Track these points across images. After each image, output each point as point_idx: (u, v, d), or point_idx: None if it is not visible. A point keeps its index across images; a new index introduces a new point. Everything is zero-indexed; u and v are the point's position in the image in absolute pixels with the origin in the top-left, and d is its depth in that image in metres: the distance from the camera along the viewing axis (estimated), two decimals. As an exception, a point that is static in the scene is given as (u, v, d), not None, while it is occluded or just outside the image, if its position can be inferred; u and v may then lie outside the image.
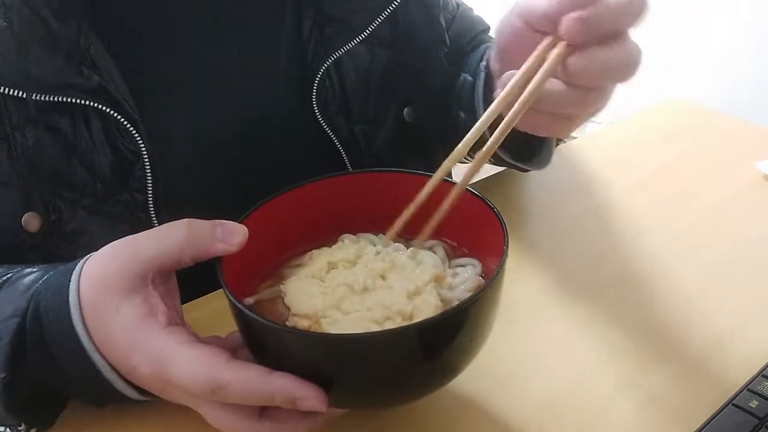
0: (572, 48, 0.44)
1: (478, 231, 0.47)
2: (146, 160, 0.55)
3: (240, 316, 0.40)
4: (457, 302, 0.42)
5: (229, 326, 0.43)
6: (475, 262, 0.48)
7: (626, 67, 0.45)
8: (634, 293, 0.60)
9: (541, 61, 0.45)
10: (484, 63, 0.63)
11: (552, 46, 0.45)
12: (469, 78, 0.68)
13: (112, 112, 0.53)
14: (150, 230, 0.44)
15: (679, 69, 1.99)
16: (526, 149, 0.65)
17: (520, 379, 0.51)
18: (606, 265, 0.63)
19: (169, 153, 0.57)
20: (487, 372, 0.50)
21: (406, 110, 0.68)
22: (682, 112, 0.91)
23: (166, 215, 0.55)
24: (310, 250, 0.49)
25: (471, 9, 0.80)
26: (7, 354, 0.43)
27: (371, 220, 0.50)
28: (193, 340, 0.40)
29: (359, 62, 0.65)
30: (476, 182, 0.50)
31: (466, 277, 0.47)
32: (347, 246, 0.49)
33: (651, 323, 0.56)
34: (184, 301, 0.46)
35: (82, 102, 0.52)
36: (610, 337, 0.55)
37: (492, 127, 0.45)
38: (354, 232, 0.51)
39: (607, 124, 0.94)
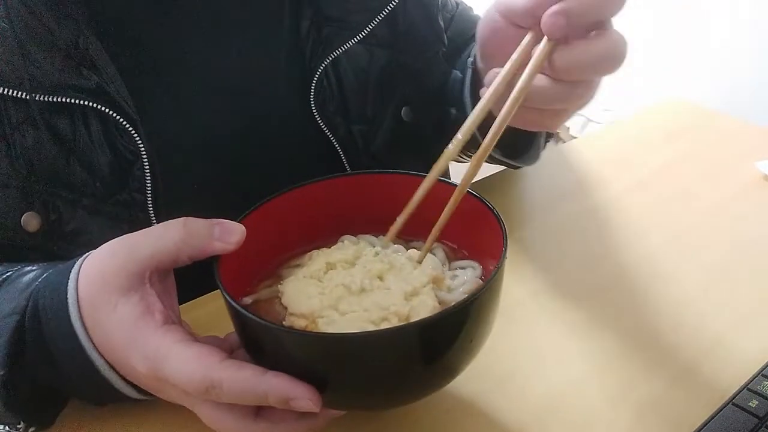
0: (556, 43, 0.44)
1: (478, 233, 0.47)
2: (145, 160, 0.55)
3: (236, 314, 0.40)
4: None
5: (227, 327, 0.43)
6: (475, 264, 0.48)
7: (612, 59, 0.45)
8: (634, 293, 0.60)
9: (524, 57, 0.46)
10: (471, 59, 0.63)
11: (535, 41, 0.45)
12: (459, 75, 0.68)
13: (111, 112, 0.53)
14: (148, 229, 0.44)
15: (679, 69, 1.98)
16: (516, 145, 0.66)
17: (518, 381, 0.51)
18: (606, 265, 0.63)
19: (168, 153, 0.57)
20: (486, 373, 0.50)
21: (404, 110, 0.68)
22: (682, 112, 0.91)
23: (166, 215, 0.55)
24: (309, 251, 0.49)
25: (470, 8, 0.80)
26: (6, 352, 0.43)
27: (371, 222, 0.50)
28: (189, 338, 0.40)
29: (357, 62, 0.65)
30: (475, 182, 0.50)
31: (465, 279, 0.47)
32: (346, 247, 0.49)
33: (651, 323, 0.56)
34: (181, 299, 0.46)
35: (81, 102, 0.52)
36: (609, 338, 0.55)
37: (482, 126, 0.45)
38: (354, 234, 0.51)
39: (607, 124, 0.94)
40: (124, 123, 0.54)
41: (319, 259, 0.47)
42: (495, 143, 0.45)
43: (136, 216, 0.56)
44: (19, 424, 0.46)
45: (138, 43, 0.59)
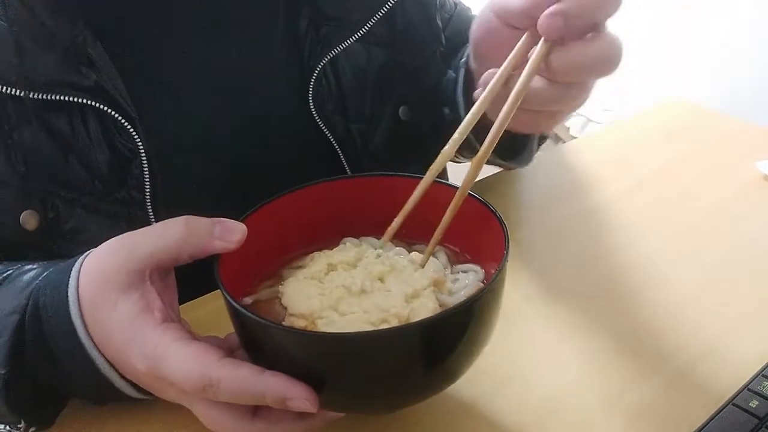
0: (552, 45, 0.44)
1: (480, 237, 0.46)
2: (144, 158, 0.55)
3: (234, 313, 0.40)
4: None
5: (227, 327, 0.43)
6: (477, 268, 0.48)
7: (609, 61, 0.45)
8: (634, 294, 0.60)
9: (520, 58, 0.45)
10: (464, 60, 0.63)
11: (530, 43, 0.45)
12: (452, 74, 0.68)
13: (109, 110, 0.53)
14: (148, 227, 0.44)
15: (679, 69, 1.98)
16: (511, 147, 0.66)
17: (519, 383, 0.51)
18: (606, 265, 0.63)
19: (167, 152, 0.57)
20: (486, 376, 0.50)
21: (401, 109, 0.68)
22: (682, 112, 0.91)
23: (165, 214, 0.55)
24: (311, 253, 0.49)
25: (469, 9, 0.80)
26: (7, 350, 0.43)
27: (373, 224, 0.50)
28: (188, 337, 0.40)
29: (356, 61, 0.65)
30: (474, 182, 0.50)
31: (466, 283, 0.46)
32: (348, 249, 0.49)
33: (651, 324, 0.56)
34: (182, 299, 0.46)
35: (80, 100, 0.52)
36: (610, 338, 0.55)
37: (477, 127, 0.45)
38: (356, 236, 0.51)
39: (607, 124, 0.94)
40: (123, 121, 0.54)
41: (320, 260, 0.47)
42: (494, 146, 0.45)
43: (135, 214, 0.56)
44: (20, 423, 0.46)
45: (137, 43, 0.59)
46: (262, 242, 0.46)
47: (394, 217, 0.47)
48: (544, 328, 0.56)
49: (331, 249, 0.49)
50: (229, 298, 0.40)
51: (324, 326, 0.42)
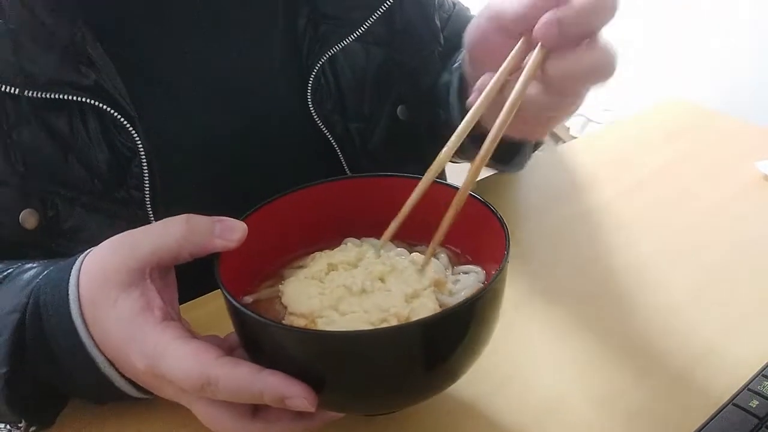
0: (548, 52, 0.44)
1: (481, 237, 0.46)
2: (143, 157, 0.55)
3: (234, 311, 0.40)
4: None
5: (228, 327, 0.43)
6: (478, 269, 0.48)
7: (604, 70, 0.45)
8: (634, 293, 0.60)
9: (516, 64, 0.46)
10: (457, 64, 0.63)
11: (526, 48, 0.45)
12: (447, 77, 0.68)
13: (108, 109, 0.53)
14: (149, 225, 0.44)
15: (679, 69, 1.98)
16: (504, 152, 0.66)
17: (518, 383, 0.51)
18: (606, 265, 0.63)
19: (167, 151, 0.57)
20: (486, 375, 0.50)
21: (399, 108, 0.69)
22: (682, 112, 0.91)
23: (164, 213, 0.55)
24: (312, 253, 0.49)
25: (467, 9, 0.81)
26: (7, 349, 0.43)
27: (374, 224, 0.50)
28: (187, 335, 0.40)
29: (355, 60, 0.65)
30: (474, 183, 0.51)
31: (467, 283, 0.46)
32: (349, 249, 0.49)
33: (651, 323, 0.56)
34: (183, 298, 0.46)
35: (79, 99, 0.52)
36: (610, 338, 0.55)
37: (471, 132, 0.45)
38: (357, 236, 0.51)
39: (607, 124, 0.94)
40: (122, 120, 0.54)
41: (321, 260, 0.47)
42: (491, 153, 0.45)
43: (135, 214, 0.56)
44: (20, 422, 0.46)
45: (137, 43, 0.59)
46: (263, 242, 0.46)
47: (395, 217, 0.47)
48: (544, 328, 0.56)
49: (333, 249, 0.49)
50: (228, 296, 0.40)
51: (324, 325, 0.42)
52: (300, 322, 0.43)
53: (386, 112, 0.68)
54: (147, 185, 0.56)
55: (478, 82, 0.47)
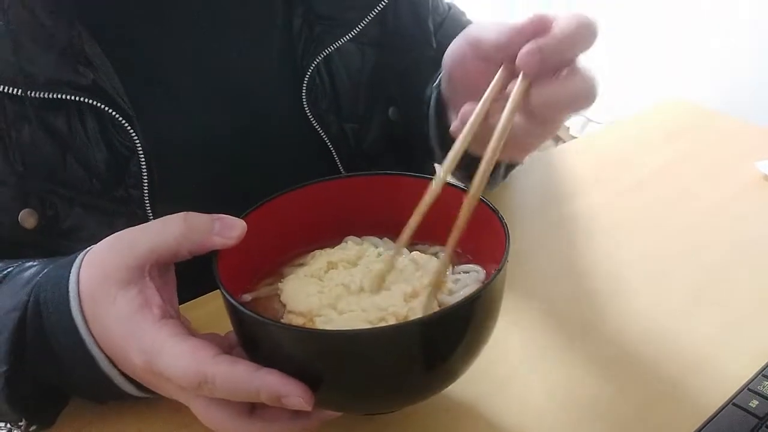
0: (531, 81, 0.45)
1: (481, 237, 0.46)
2: (141, 156, 0.55)
3: (231, 309, 0.40)
4: None
5: (228, 326, 0.43)
6: (479, 268, 0.47)
7: (585, 97, 0.45)
8: (634, 293, 0.60)
9: (497, 93, 0.46)
10: (436, 82, 0.63)
11: (506, 77, 0.46)
12: (429, 90, 0.68)
13: (106, 108, 0.53)
14: (148, 223, 0.44)
15: (679, 69, 1.99)
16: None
17: (518, 383, 0.51)
18: (606, 265, 0.63)
19: (165, 150, 0.57)
20: (486, 376, 0.50)
21: (390, 110, 0.69)
22: (682, 112, 0.91)
23: (163, 212, 0.55)
24: (312, 251, 0.49)
25: (463, 13, 0.81)
26: (8, 347, 0.43)
27: (373, 224, 0.50)
28: (185, 333, 0.40)
29: (350, 60, 0.66)
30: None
31: (467, 283, 0.46)
32: (350, 247, 0.49)
33: (651, 323, 0.56)
34: (183, 297, 0.46)
35: (77, 99, 0.52)
36: (610, 338, 0.55)
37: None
38: (357, 236, 0.51)
39: (607, 124, 0.94)
40: (120, 119, 0.54)
41: (321, 258, 0.47)
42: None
43: (134, 213, 0.56)
44: (21, 421, 0.46)
45: (137, 43, 0.59)
46: (263, 240, 0.46)
47: (396, 216, 0.47)
48: (544, 328, 0.56)
49: (333, 247, 0.49)
50: (226, 294, 0.40)
51: (322, 324, 0.42)
52: (298, 321, 0.43)
53: (380, 113, 0.68)
54: (146, 184, 0.56)
55: (462, 112, 0.48)
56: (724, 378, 0.50)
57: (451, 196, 0.45)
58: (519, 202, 0.75)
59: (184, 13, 0.61)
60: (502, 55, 0.46)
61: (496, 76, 0.47)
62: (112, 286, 0.41)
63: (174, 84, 0.61)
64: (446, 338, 0.40)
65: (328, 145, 0.66)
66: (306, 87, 0.64)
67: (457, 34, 0.77)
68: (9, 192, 0.52)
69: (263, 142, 0.64)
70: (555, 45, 0.43)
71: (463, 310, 0.39)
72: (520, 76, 0.44)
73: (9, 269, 0.47)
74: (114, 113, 0.54)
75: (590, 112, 2.04)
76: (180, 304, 0.46)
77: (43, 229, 0.54)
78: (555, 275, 0.62)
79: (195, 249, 0.43)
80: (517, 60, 0.44)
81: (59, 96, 0.52)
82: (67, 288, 0.42)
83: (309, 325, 0.42)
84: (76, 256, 0.44)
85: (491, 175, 0.66)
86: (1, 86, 0.50)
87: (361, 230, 0.51)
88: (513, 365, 0.52)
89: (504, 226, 0.44)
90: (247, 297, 0.47)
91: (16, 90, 0.51)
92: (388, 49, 0.68)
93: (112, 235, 0.44)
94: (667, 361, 0.52)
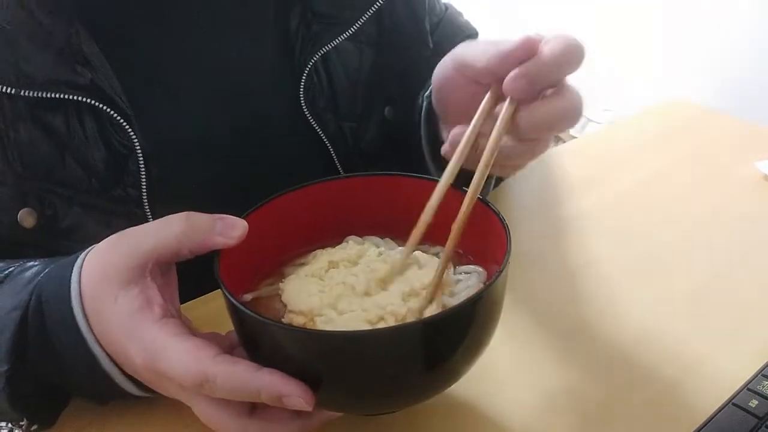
0: (518, 104, 0.45)
1: (483, 238, 0.46)
2: (140, 155, 0.55)
3: (232, 309, 0.40)
4: None
5: (228, 326, 0.43)
6: (480, 269, 0.47)
7: (572, 116, 0.46)
8: (634, 293, 0.60)
9: (485, 116, 0.47)
10: (426, 93, 0.64)
11: (493, 98, 0.47)
12: (419, 101, 0.68)
13: (104, 107, 0.53)
14: (150, 223, 0.45)
15: (679, 69, 1.99)
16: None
17: (518, 383, 0.51)
18: (606, 265, 0.63)
19: (164, 150, 0.57)
20: (486, 375, 0.50)
21: (387, 109, 0.69)
22: (681, 112, 0.92)
23: (162, 211, 0.55)
24: (314, 251, 0.49)
25: (460, 14, 0.81)
26: (9, 347, 0.43)
27: (373, 224, 0.50)
28: (186, 332, 0.40)
29: (347, 59, 0.66)
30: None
31: (469, 284, 0.46)
32: (351, 247, 0.49)
33: (651, 323, 0.56)
34: (183, 297, 0.46)
35: (75, 98, 0.52)
36: (611, 338, 0.55)
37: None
38: (358, 236, 0.51)
39: (607, 124, 0.94)
40: (118, 118, 0.54)
41: (322, 257, 0.47)
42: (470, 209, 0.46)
43: (133, 212, 0.56)
44: (22, 421, 0.46)
45: (136, 43, 0.59)
46: (264, 240, 0.46)
47: (396, 216, 0.47)
48: (544, 328, 0.56)
49: (334, 247, 0.49)
50: (227, 293, 0.40)
51: (322, 324, 0.42)
52: (299, 321, 0.43)
53: (378, 112, 0.69)
54: (144, 183, 0.56)
55: (452, 134, 0.48)
56: (724, 378, 0.50)
57: (451, 197, 0.45)
58: (519, 202, 0.75)
59: (183, 13, 0.61)
60: (489, 79, 0.48)
61: (484, 100, 0.48)
62: (113, 286, 0.41)
63: (173, 84, 0.61)
64: (448, 339, 0.40)
65: (326, 144, 0.66)
66: (303, 85, 0.64)
67: (453, 35, 0.78)
68: (8, 191, 0.52)
69: (262, 141, 0.64)
70: (541, 69, 0.44)
71: (465, 311, 0.39)
72: (507, 100, 0.45)
73: (10, 269, 0.47)
74: (112, 112, 0.54)
75: (590, 112, 2.04)
76: (181, 303, 0.46)
77: (42, 228, 0.54)
78: (555, 275, 0.62)
79: (196, 248, 0.43)
80: (503, 85, 0.45)
81: (57, 95, 0.52)
82: (69, 287, 0.42)
83: (310, 325, 0.42)
84: (78, 256, 0.44)
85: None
86: (0, 86, 0.50)
87: (361, 230, 0.51)
88: (513, 365, 0.52)
89: (505, 226, 0.44)
90: (248, 297, 0.47)
91: (12, 89, 0.51)
92: (386, 49, 0.68)
93: (114, 235, 0.44)
94: (667, 361, 0.52)
